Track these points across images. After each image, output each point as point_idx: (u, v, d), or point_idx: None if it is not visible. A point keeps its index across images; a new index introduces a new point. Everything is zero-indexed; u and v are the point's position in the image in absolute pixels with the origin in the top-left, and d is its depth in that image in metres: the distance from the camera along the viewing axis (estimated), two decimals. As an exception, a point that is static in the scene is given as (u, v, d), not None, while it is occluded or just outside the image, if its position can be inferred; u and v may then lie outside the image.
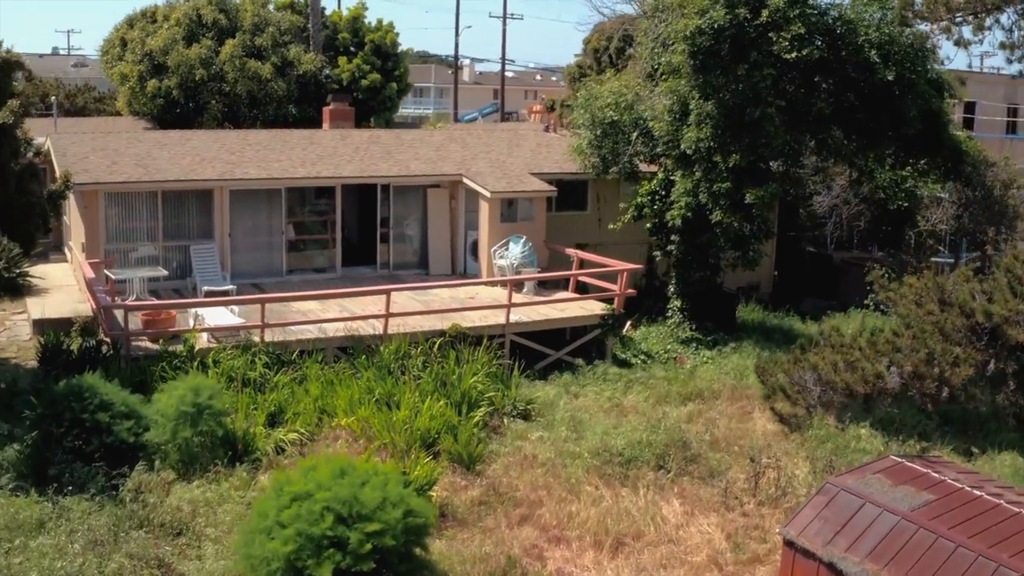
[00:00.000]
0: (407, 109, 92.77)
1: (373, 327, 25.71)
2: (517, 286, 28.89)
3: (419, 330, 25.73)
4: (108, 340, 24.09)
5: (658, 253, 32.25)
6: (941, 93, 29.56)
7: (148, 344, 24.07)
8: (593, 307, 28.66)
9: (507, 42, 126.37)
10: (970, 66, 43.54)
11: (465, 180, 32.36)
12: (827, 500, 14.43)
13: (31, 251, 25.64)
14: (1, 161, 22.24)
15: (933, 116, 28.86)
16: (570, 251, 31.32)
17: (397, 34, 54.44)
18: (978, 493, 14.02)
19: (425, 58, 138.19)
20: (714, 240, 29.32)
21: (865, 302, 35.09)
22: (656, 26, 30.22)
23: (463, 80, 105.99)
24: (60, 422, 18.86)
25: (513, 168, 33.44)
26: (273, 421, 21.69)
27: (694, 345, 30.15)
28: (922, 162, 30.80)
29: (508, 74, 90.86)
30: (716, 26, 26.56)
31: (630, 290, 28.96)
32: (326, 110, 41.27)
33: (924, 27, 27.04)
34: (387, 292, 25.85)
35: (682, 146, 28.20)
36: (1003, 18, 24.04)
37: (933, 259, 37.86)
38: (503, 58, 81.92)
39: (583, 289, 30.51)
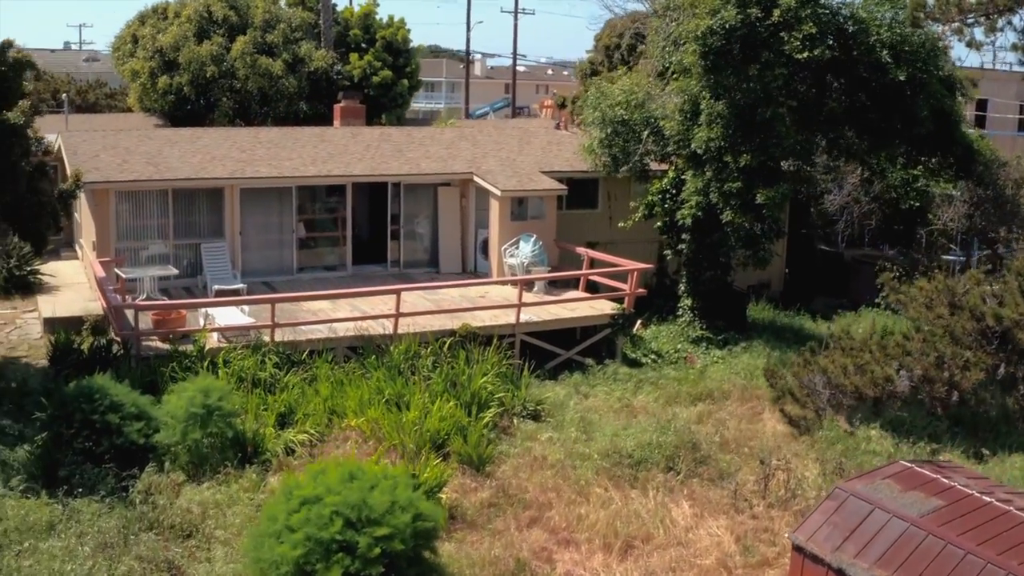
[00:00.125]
0: (418, 103, 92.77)
1: (383, 326, 25.72)
2: (527, 285, 28.85)
3: (429, 329, 25.73)
4: (119, 339, 24.11)
5: (669, 252, 32.23)
6: (953, 92, 29.47)
7: (158, 344, 24.11)
8: (603, 307, 28.63)
9: (518, 37, 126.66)
10: (982, 65, 43.35)
11: (476, 178, 32.36)
12: (836, 505, 14.41)
13: (42, 250, 25.70)
14: (12, 161, 22.27)
15: (945, 115, 28.78)
16: (580, 250, 31.29)
17: (408, 30, 54.42)
18: (987, 499, 13.98)
19: (437, 52, 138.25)
20: (725, 239, 29.27)
21: (876, 301, 35.04)
22: (667, 25, 30.14)
23: (474, 74, 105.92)
24: (70, 423, 18.92)
25: (524, 166, 33.42)
26: (283, 422, 21.70)
27: (704, 344, 30.12)
28: (933, 161, 30.69)
29: (519, 68, 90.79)
30: (727, 26, 26.48)
31: (640, 290, 28.92)
32: (337, 107, 41.29)
33: (936, 28, 26.93)
34: (397, 292, 25.83)
35: (693, 146, 28.15)
36: (1015, 19, 23.96)
37: (944, 257, 37.79)
38: (514, 53, 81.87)
39: (594, 288, 30.48)
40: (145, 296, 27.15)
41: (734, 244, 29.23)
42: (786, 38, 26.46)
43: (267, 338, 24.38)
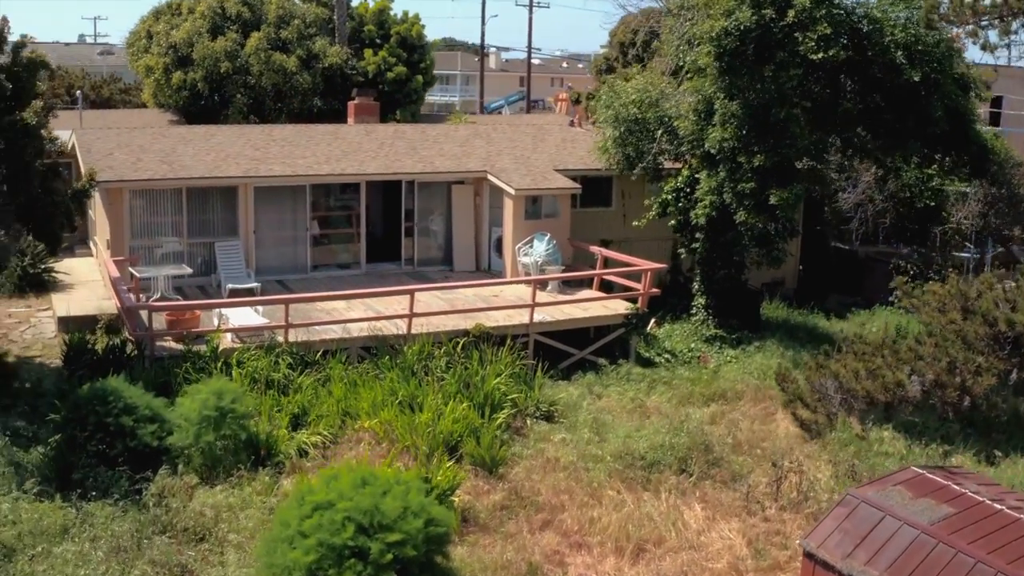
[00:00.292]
0: (433, 96, 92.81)
1: (397, 326, 25.75)
2: (541, 284, 28.86)
3: (443, 329, 25.75)
4: (132, 340, 24.18)
5: (683, 250, 32.21)
6: (967, 91, 29.37)
7: (172, 344, 24.16)
8: (617, 306, 28.61)
9: (533, 30, 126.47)
10: (996, 59, 43.08)
11: (490, 177, 32.36)
12: (847, 512, 14.41)
13: (56, 250, 25.78)
14: (26, 161, 22.34)
15: (959, 114, 28.67)
16: (594, 249, 31.27)
17: (423, 26, 54.48)
18: (998, 507, 13.98)
19: (451, 45, 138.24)
20: (739, 239, 29.24)
21: (890, 299, 35.01)
22: (681, 24, 30.09)
23: (489, 67, 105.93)
24: (84, 426, 18.99)
25: (538, 164, 33.41)
26: (296, 423, 21.75)
27: (718, 344, 30.08)
28: (948, 160, 30.61)
29: (534, 62, 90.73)
30: (742, 27, 26.42)
31: (654, 289, 28.89)
32: (351, 104, 41.33)
33: (950, 30, 26.84)
34: (411, 292, 25.86)
35: (706, 146, 28.12)
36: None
37: (958, 254, 37.72)
38: (529, 46, 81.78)
39: (608, 287, 30.47)
40: (159, 295, 27.23)
41: (748, 243, 29.18)
42: (800, 39, 26.38)
43: (281, 338, 24.42)
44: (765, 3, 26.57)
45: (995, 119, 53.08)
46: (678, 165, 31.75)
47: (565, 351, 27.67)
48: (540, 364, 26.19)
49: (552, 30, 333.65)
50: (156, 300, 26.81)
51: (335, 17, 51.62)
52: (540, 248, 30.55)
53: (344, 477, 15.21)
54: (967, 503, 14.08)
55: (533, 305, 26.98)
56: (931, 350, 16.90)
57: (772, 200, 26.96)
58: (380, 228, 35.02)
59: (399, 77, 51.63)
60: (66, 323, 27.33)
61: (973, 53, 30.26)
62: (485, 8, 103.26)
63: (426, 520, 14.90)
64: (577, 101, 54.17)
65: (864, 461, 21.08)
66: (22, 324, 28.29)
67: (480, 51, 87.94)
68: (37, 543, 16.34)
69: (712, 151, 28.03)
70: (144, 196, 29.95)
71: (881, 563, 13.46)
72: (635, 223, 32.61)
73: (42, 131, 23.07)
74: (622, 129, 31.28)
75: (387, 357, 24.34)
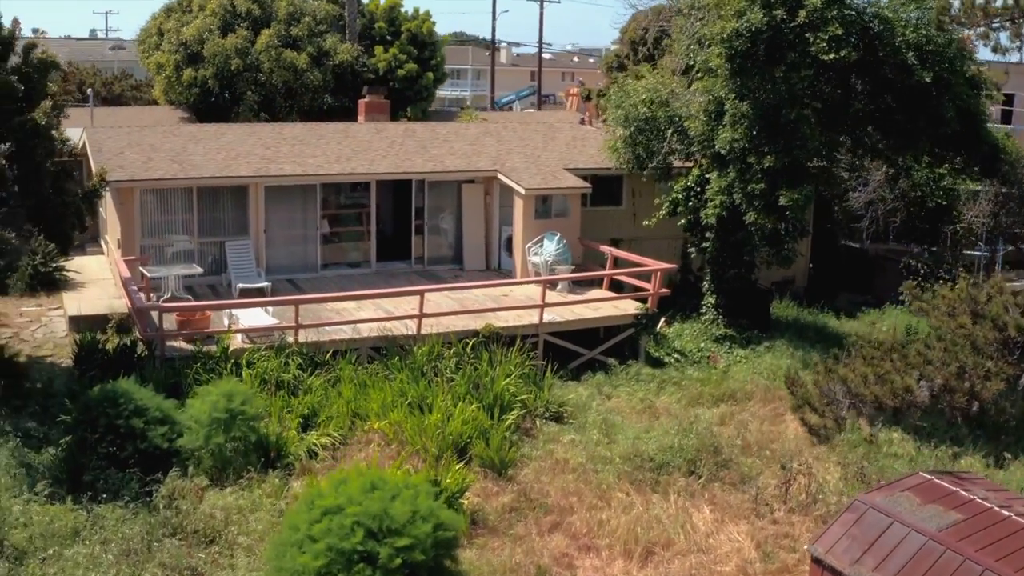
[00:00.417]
0: (444, 91, 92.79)
1: (407, 326, 25.79)
2: (551, 284, 28.86)
3: (452, 330, 25.77)
4: (143, 340, 24.24)
5: (693, 249, 32.21)
6: (978, 92, 29.30)
7: (183, 344, 24.22)
8: (627, 307, 28.60)
9: (544, 24, 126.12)
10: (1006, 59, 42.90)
11: (500, 176, 32.37)
12: (855, 518, 14.45)
13: (67, 250, 25.84)
14: (37, 162, 22.39)
15: (970, 114, 28.60)
16: (604, 248, 31.25)
17: (434, 23, 54.52)
18: (1007, 513, 14.01)
19: (462, 39, 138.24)
20: (749, 238, 29.20)
21: (901, 298, 34.93)
22: (691, 24, 30.05)
23: (500, 62, 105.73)
24: (95, 428, 19.07)
25: (548, 163, 33.41)
26: (306, 424, 21.81)
27: (728, 344, 30.07)
28: (959, 159, 30.55)
29: (545, 56, 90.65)
30: (753, 29, 26.37)
31: (664, 290, 28.87)
32: (361, 103, 41.37)
33: (961, 32, 26.76)
34: (421, 293, 25.90)
35: (717, 146, 28.11)
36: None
37: (969, 252, 37.63)
38: (540, 41, 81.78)
39: (617, 287, 30.47)
40: (169, 295, 27.29)
41: (758, 243, 29.16)
42: (812, 39, 26.34)
43: (291, 339, 24.47)
44: (776, 4, 26.54)
45: (1007, 117, 52.90)
46: (688, 164, 31.73)
47: (575, 351, 27.67)
48: (550, 364, 26.23)
49: (563, 24, 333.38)
50: (167, 299, 26.88)
51: (346, 14, 51.66)
52: (550, 247, 30.56)
53: (353, 482, 15.25)
54: (975, 509, 14.11)
55: (543, 305, 26.99)
56: (940, 354, 16.90)
57: (782, 201, 26.96)
58: (390, 226, 35.04)
59: (410, 74, 51.67)
60: (77, 322, 27.39)
61: (984, 55, 29.92)
62: (496, 3, 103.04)
63: (435, 524, 14.94)
64: (588, 98, 54.08)
65: (873, 463, 21.10)
66: (33, 323, 28.36)
67: (491, 46, 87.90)
68: (48, 546, 16.42)
69: (722, 152, 28.02)
70: (155, 195, 30.02)
71: (889, 569, 13.51)
72: (645, 222, 32.60)
73: (53, 132, 23.15)
74: (632, 129, 31.28)
75: (397, 358, 24.38)
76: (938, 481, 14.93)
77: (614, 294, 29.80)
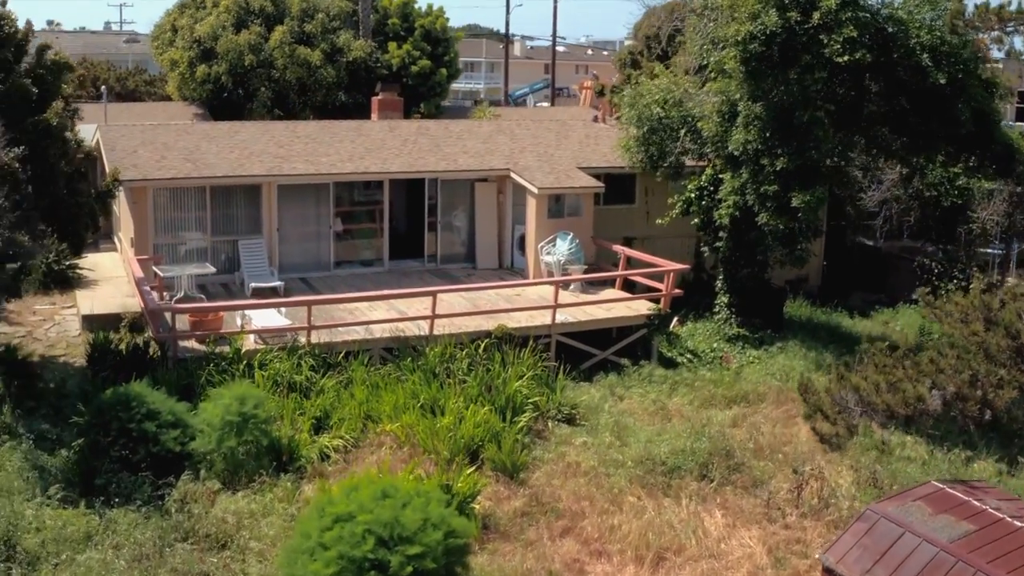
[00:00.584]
0: (458, 84, 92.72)
1: (419, 327, 25.80)
2: (564, 284, 28.85)
3: (465, 330, 25.78)
4: (156, 340, 24.29)
5: (706, 248, 32.15)
6: (993, 93, 29.17)
7: (195, 345, 24.25)
8: (640, 307, 28.56)
9: (558, 16, 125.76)
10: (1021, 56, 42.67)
11: (513, 175, 32.34)
12: (867, 527, 14.44)
13: (80, 250, 25.86)
14: (50, 163, 22.45)
15: (985, 115, 28.47)
16: (617, 248, 31.21)
17: (447, 19, 54.49)
18: (1019, 524, 13.96)
19: (476, 32, 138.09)
20: (762, 238, 29.09)
21: (914, 297, 34.82)
22: (705, 24, 29.96)
23: (514, 55, 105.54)
24: (107, 431, 19.15)
25: (561, 162, 33.37)
26: (318, 426, 21.84)
27: (740, 343, 29.99)
28: (973, 159, 30.42)
29: (559, 49, 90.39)
30: (768, 31, 26.27)
31: (677, 290, 28.82)
32: (374, 100, 41.36)
33: (975, 36, 26.62)
34: (433, 294, 25.90)
35: (730, 147, 28.04)
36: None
37: (983, 250, 37.49)
38: (554, 34, 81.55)
39: (630, 286, 30.44)
40: (182, 294, 27.35)
41: (771, 243, 29.07)
42: (826, 41, 26.24)
43: (303, 339, 24.49)
44: (790, 6, 26.43)
45: (1021, 115, 52.64)
46: (702, 163, 31.66)
47: (587, 351, 27.64)
48: (562, 365, 26.22)
49: (577, 17, 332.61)
50: (180, 299, 26.96)
51: (359, 10, 51.65)
52: (563, 247, 30.53)
53: (364, 489, 15.26)
54: (987, 520, 14.07)
55: (555, 306, 26.97)
56: (952, 362, 16.83)
57: (794, 203, 26.88)
58: (403, 224, 35.07)
59: (423, 70, 51.67)
60: (90, 321, 27.47)
61: (997, 58, 29.76)
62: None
63: (446, 532, 14.94)
64: (601, 93, 54.04)
65: (886, 467, 21.05)
66: (47, 322, 28.44)
67: (505, 39, 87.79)
68: (61, 550, 16.50)
69: (735, 153, 27.95)
70: (168, 194, 30.08)
71: (900, 581, 13.48)
72: (658, 221, 32.55)
73: (66, 133, 23.21)
74: (645, 129, 31.22)
75: (409, 359, 24.38)
76: (950, 491, 14.89)
77: (627, 294, 29.75)
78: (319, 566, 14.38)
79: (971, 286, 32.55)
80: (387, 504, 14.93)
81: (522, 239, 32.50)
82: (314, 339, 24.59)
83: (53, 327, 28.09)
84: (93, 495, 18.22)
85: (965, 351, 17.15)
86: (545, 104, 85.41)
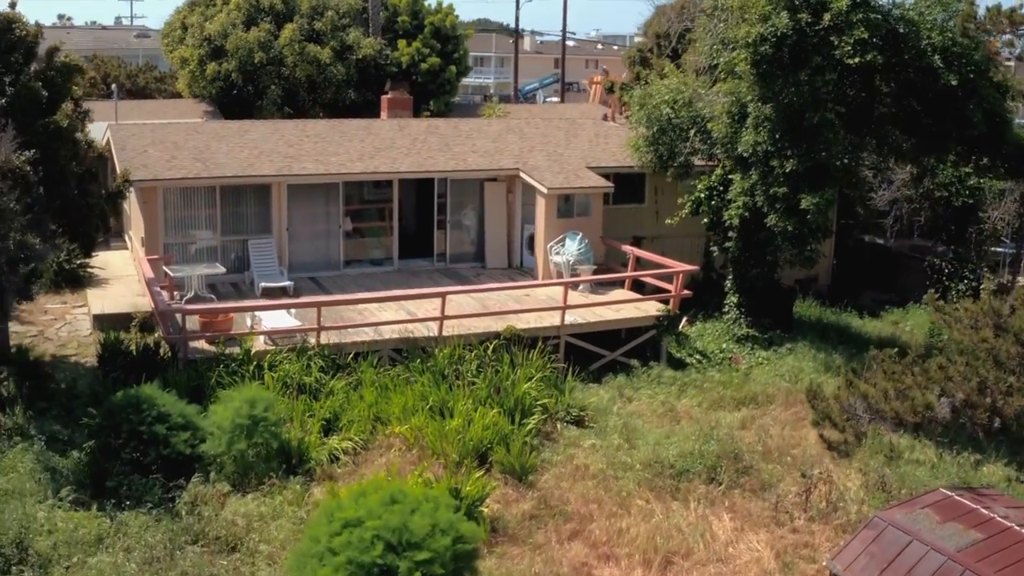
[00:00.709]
0: (467, 79, 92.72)
1: (428, 328, 25.86)
2: (572, 284, 28.88)
3: (474, 331, 25.86)
4: (166, 340, 24.37)
5: (715, 248, 32.17)
6: (1004, 94, 29.10)
7: (205, 346, 24.33)
8: (649, 308, 28.59)
9: (568, 11, 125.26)
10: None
11: (522, 175, 32.37)
12: (875, 535, 14.45)
13: (91, 251, 25.96)
14: (61, 164, 22.53)
15: (996, 116, 28.40)
16: (626, 248, 31.21)
17: (457, 16, 54.46)
18: (1027, 533, 13.98)
19: (485, 27, 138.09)
20: (772, 238, 29.05)
21: (924, 297, 34.74)
22: (715, 25, 29.94)
23: (524, 49, 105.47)
24: (118, 433, 19.22)
25: (570, 161, 33.39)
26: (328, 428, 21.90)
27: (750, 344, 29.98)
28: (984, 160, 30.37)
29: (569, 43, 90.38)
30: (779, 33, 26.24)
31: (686, 291, 28.85)
32: (384, 99, 41.40)
33: (987, 40, 26.51)
34: (443, 296, 25.94)
35: (739, 149, 28.03)
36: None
37: (995, 249, 37.41)
38: (564, 29, 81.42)
39: (639, 286, 30.46)
40: (193, 294, 27.46)
41: (780, 243, 29.04)
42: (836, 42, 26.21)
43: (313, 340, 24.56)
44: (801, 7, 26.39)
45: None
46: (711, 164, 31.64)
47: (596, 352, 27.68)
48: (571, 366, 26.25)
49: (587, 11, 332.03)
50: (190, 299, 27.09)
51: (369, 8, 51.63)
52: (572, 247, 30.56)
53: (372, 495, 15.30)
54: (995, 528, 14.08)
55: (564, 307, 27.00)
56: (961, 369, 16.84)
57: (803, 205, 26.86)
58: (413, 222, 35.16)
59: (432, 68, 51.66)
60: (101, 321, 27.58)
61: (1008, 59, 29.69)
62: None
63: (454, 538, 14.98)
64: (611, 90, 54.02)
65: (894, 470, 21.05)
66: (58, 321, 28.55)
67: (515, 35, 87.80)
68: (72, 553, 16.56)
69: (744, 154, 27.94)
70: (178, 194, 30.17)
71: (907, 589, 13.51)
72: (668, 220, 32.55)
73: (77, 134, 23.29)
74: (655, 129, 31.22)
75: (418, 360, 24.44)
76: (958, 498, 14.90)
77: (636, 295, 29.77)
78: (328, 571, 14.44)
79: (982, 287, 32.72)
80: (396, 510, 14.98)
81: (531, 239, 32.54)
82: (323, 340, 24.67)
83: (64, 326, 28.19)
84: (104, 497, 18.31)
85: (974, 357, 17.14)
86: (555, 99, 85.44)
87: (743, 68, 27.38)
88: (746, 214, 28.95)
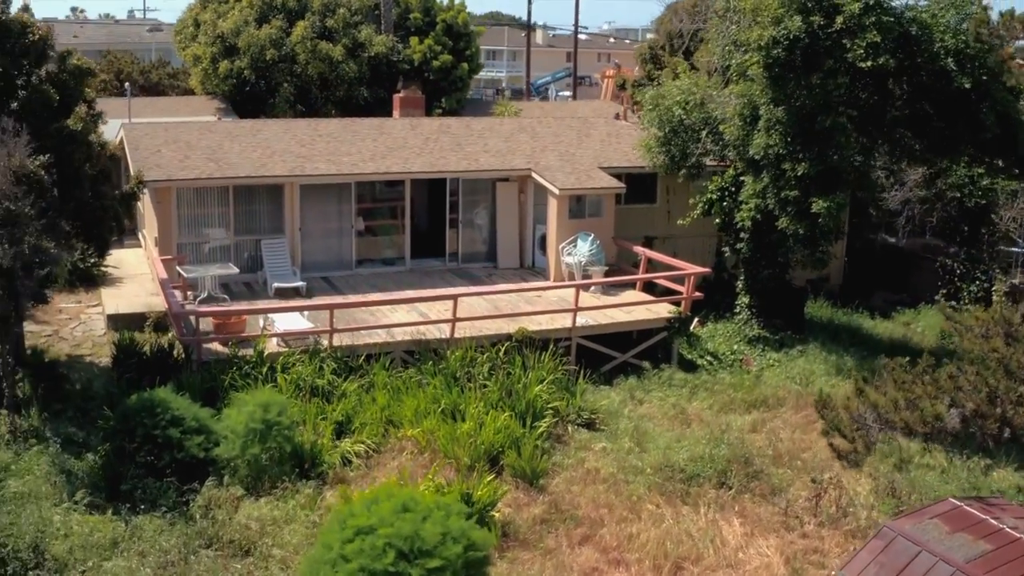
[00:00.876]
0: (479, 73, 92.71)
1: (440, 330, 25.96)
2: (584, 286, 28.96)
3: (485, 333, 25.96)
4: (180, 342, 24.50)
5: (727, 249, 32.21)
6: (1018, 97, 29.06)
7: (219, 347, 24.45)
8: (660, 309, 28.64)
9: (580, 4, 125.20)
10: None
11: (534, 175, 32.41)
12: (884, 545, 14.52)
13: (105, 252, 26.10)
14: (75, 167, 22.64)
15: (1010, 119, 28.36)
16: (638, 249, 31.25)
17: (469, 13, 54.48)
18: (1036, 544, 14.04)
19: (497, 20, 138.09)
20: (783, 240, 29.05)
21: (936, 297, 34.80)
22: (727, 27, 29.96)
23: (536, 43, 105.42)
24: (132, 437, 19.36)
25: (582, 161, 33.44)
26: (340, 430, 22.03)
27: (761, 346, 30.00)
28: (998, 161, 30.34)
29: (581, 37, 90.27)
30: (791, 36, 26.26)
31: (697, 293, 28.88)
32: (396, 98, 41.46)
33: (1000, 45, 26.45)
34: (455, 298, 26.02)
35: (751, 152, 28.05)
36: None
37: (1008, 249, 37.35)
38: (576, 23, 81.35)
39: (650, 287, 30.50)
40: (206, 294, 27.61)
41: (792, 245, 29.05)
42: (849, 45, 26.22)
43: (325, 342, 24.67)
44: (813, 10, 26.41)
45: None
46: (723, 165, 31.67)
47: (607, 354, 27.73)
48: (582, 368, 26.34)
49: (599, 3, 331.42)
50: (203, 299, 27.25)
51: (381, 5, 51.66)
52: (584, 248, 30.62)
53: (385, 502, 15.40)
54: (1004, 539, 14.14)
55: (576, 309, 27.07)
56: (972, 378, 16.87)
57: (814, 209, 26.87)
58: (425, 221, 35.26)
59: (444, 65, 51.68)
60: (115, 321, 27.77)
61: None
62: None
63: (466, 546, 15.07)
64: (623, 87, 54.07)
65: (904, 475, 21.13)
66: (72, 320, 28.73)
67: (527, 29, 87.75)
68: (88, 557, 16.72)
69: (756, 157, 27.96)
70: (191, 194, 30.30)
71: (916, 600, 13.58)
72: (680, 221, 32.60)
73: (90, 136, 23.40)
74: (667, 130, 31.26)
75: (430, 363, 24.54)
76: (967, 508, 14.96)
77: (648, 296, 29.79)
78: (340, 578, 14.57)
79: (993, 288, 32.71)
80: (408, 517, 15.08)
81: (543, 239, 32.59)
82: (336, 341, 24.77)
83: (79, 326, 28.36)
84: (119, 501, 18.48)
85: (985, 367, 17.17)
86: (567, 93, 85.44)
87: (755, 71, 27.41)
88: (758, 216, 28.98)
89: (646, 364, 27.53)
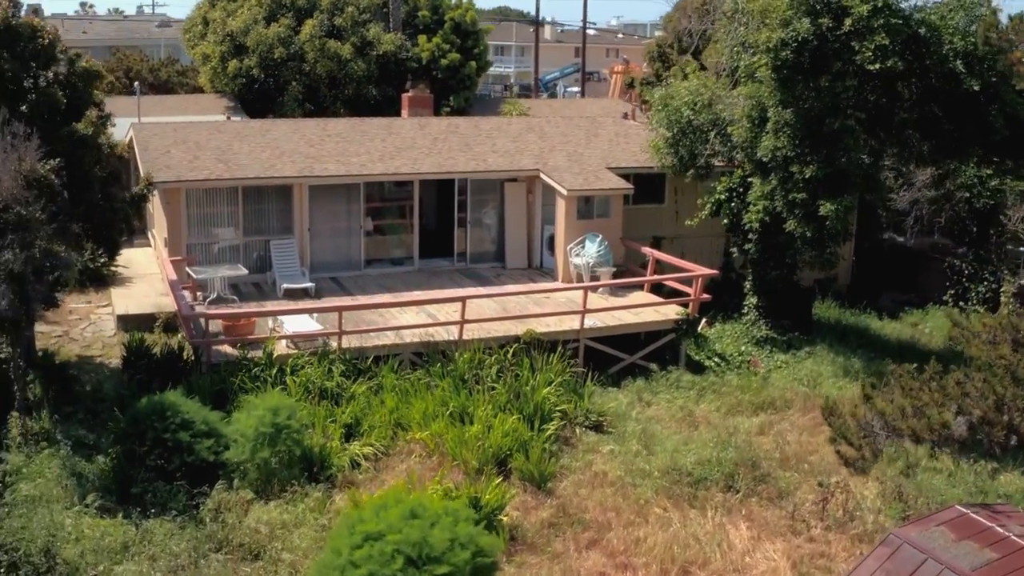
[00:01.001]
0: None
1: (448, 332, 26.02)
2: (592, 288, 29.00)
3: (494, 335, 26.03)
4: (190, 344, 24.59)
5: (735, 249, 32.24)
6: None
7: (228, 349, 24.53)
8: (668, 311, 28.67)
9: (588, 0, 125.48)
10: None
11: (542, 176, 32.45)
12: (890, 552, 14.54)
13: (115, 254, 26.23)
14: (85, 170, 22.72)
15: (1018, 121, 28.37)
16: (646, 250, 31.29)
17: (477, 10, 54.52)
18: (1042, 552, 14.06)
19: (506, 15, 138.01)
20: (791, 241, 29.09)
21: (944, 298, 34.81)
22: (736, 28, 29.97)
23: (544, 39, 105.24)
24: (143, 440, 19.44)
25: (590, 162, 33.47)
26: (349, 433, 22.10)
27: (768, 347, 30.05)
28: (1008, 163, 30.33)
29: (589, 33, 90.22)
30: (800, 38, 26.28)
31: (705, 295, 28.91)
32: (405, 97, 41.51)
33: (1010, 50, 26.42)
34: (463, 300, 26.08)
35: (759, 154, 28.07)
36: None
37: (1015, 249, 37.33)
38: (584, 17, 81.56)
39: (658, 288, 30.55)
40: (215, 295, 27.70)
41: (800, 246, 29.08)
42: (857, 48, 26.23)
43: (334, 343, 24.75)
44: (822, 12, 26.43)
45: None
46: (732, 166, 31.68)
47: (615, 356, 27.77)
48: (590, 369, 26.39)
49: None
50: (212, 300, 27.35)
51: (389, 3, 51.72)
52: (591, 249, 30.66)
53: (393, 508, 15.49)
54: (1010, 547, 14.16)
55: (584, 311, 27.11)
56: (979, 385, 16.91)
57: (822, 211, 26.90)
58: (433, 221, 35.28)
59: (452, 64, 51.75)
60: (125, 321, 27.89)
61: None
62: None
63: (474, 551, 15.15)
64: (631, 85, 54.12)
65: (911, 479, 21.15)
66: (83, 321, 28.85)
67: (535, 24, 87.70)
68: (99, 561, 16.82)
69: (764, 159, 27.98)
70: (201, 194, 30.35)
71: (922, 608, 13.61)
72: (688, 221, 32.65)
73: (100, 139, 23.48)
74: (675, 131, 31.29)
75: (438, 365, 24.60)
76: (973, 516, 14.98)
77: (656, 298, 29.82)
78: (350, 584, 14.66)
79: (1001, 289, 32.68)
80: (416, 524, 15.16)
81: (551, 239, 32.62)
82: (344, 343, 24.85)
83: (89, 327, 28.49)
84: (130, 504, 18.60)
85: (992, 374, 17.21)
86: (575, 89, 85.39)
87: (764, 73, 27.43)
88: (766, 218, 29.01)
89: (654, 366, 27.62)
